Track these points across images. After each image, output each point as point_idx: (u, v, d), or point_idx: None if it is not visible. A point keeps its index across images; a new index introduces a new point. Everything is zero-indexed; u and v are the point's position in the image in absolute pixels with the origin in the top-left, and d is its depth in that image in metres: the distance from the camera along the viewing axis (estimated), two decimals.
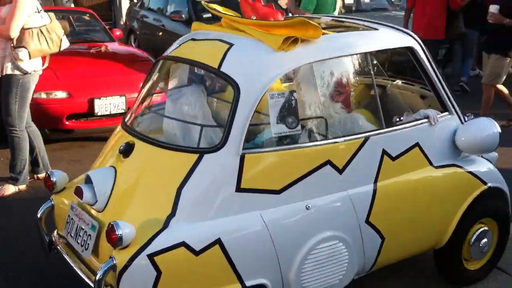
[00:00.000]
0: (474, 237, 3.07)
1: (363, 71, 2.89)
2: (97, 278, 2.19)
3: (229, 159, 2.33)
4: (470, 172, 3.00)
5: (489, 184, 3.05)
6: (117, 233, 2.15)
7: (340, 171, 2.54)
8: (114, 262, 2.18)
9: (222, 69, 2.46)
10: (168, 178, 2.38)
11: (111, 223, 2.18)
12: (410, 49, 2.87)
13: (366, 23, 3.06)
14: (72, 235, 2.55)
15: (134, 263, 2.18)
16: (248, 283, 2.35)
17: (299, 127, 2.49)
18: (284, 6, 8.33)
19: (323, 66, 2.75)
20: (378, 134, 2.67)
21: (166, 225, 2.26)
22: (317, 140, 2.61)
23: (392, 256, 2.82)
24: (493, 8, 5.76)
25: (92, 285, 2.32)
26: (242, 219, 2.34)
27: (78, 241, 2.49)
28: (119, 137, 2.76)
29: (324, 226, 2.49)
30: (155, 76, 2.93)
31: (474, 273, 3.18)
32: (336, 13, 5.74)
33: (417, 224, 2.83)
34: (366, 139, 2.62)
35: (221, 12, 2.87)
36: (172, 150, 2.46)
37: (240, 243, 2.32)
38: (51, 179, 2.75)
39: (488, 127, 2.96)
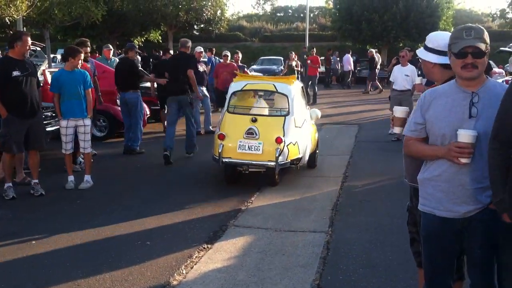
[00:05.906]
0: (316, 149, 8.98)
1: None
2: (277, 155, 7.14)
3: (292, 117, 7.59)
4: (315, 125, 8.95)
5: (317, 128, 9.07)
6: (282, 139, 7.18)
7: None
8: (280, 148, 7.19)
9: (279, 91, 7.71)
10: (278, 125, 7.46)
11: (280, 136, 7.18)
12: None
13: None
14: (246, 149, 7.23)
15: (285, 148, 7.27)
16: (301, 156, 7.64)
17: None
18: None
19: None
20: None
21: (282, 137, 7.33)
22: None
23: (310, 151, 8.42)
24: None
25: (263, 164, 7.24)
26: (302, 133, 7.65)
27: (252, 150, 7.22)
28: (234, 116, 7.57)
29: None
30: (240, 96, 7.85)
31: (315, 161, 9.06)
32: None
33: (313, 141, 8.54)
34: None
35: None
36: (277, 116, 7.59)
37: (300, 141, 7.60)
38: (223, 133, 7.29)
39: (317, 111, 8.93)
